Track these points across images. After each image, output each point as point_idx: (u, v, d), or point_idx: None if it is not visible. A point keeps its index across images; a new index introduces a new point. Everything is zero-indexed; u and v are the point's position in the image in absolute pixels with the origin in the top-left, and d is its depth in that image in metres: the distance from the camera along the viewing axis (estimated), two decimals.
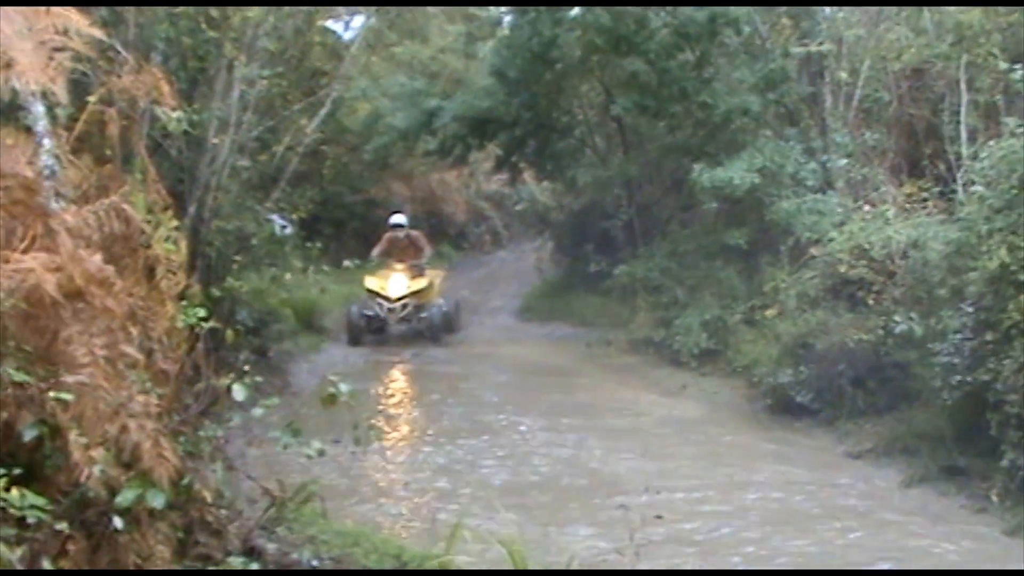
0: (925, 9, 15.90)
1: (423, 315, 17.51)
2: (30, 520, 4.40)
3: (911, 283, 11.99)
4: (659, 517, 8.72)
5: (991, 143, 11.70)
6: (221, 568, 5.55)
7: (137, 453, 4.91)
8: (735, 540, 8.75)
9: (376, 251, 18.39)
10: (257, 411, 6.32)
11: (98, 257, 5.17)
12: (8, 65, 5.18)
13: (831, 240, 13.23)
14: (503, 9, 19.45)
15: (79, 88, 6.59)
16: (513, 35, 18.18)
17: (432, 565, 6.35)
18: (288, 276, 15.43)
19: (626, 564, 6.24)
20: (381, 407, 13.44)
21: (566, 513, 9.31)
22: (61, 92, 5.46)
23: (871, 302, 12.29)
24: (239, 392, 5.98)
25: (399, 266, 17.86)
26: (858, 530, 9.03)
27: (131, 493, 4.80)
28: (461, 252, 26.57)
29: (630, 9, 16.28)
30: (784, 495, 10.01)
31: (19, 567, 4.24)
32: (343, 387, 6.37)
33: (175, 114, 7.34)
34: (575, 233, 21.39)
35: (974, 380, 9.96)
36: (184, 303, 6.19)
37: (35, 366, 4.77)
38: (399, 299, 17.49)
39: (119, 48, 7.99)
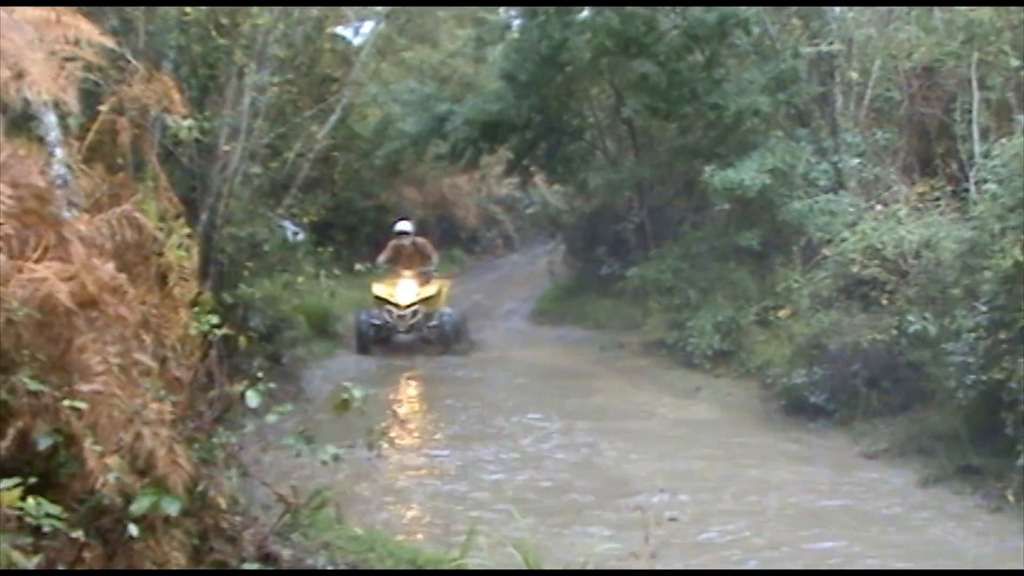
0: (935, 8, 15.87)
1: (433, 323, 17.20)
2: (46, 528, 4.41)
3: (924, 283, 11.95)
4: (674, 519, 8.69)
5: (1003, 141, 11.68)
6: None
7: (152, 460, 4.92)
8: (750, 542, 8.73)
9: (382, 258, 18.07)
10: (271, 417, 6.32)
11: (111, 265, 5.18)
12: (20, 75, 5.19)
13: (843, 240, 13.20)
14: (512, 12, 19.48)
15: (90, 97, 6.61)
16: (522, 38, 18.18)
17: (447, 569, 6.34)
18: (301, 280, 15.46)
19: (641, 566, 6.23)
20: (394, 412, 13.43)
21: (581, 516, 9.29)
22: (72, 101, 5.47)
23: (884, 302, 12.26)
24: (253, 399, 5.99)
25: (407, 272, 17.62)
26: (874, 531, 9.00)
27: (146, 500, 4.81)
28: (473, 256, 26.62)
29: (639, 11, 16.28)
30: (800, 496, 9.99)
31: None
32: (356, 392, 6.38)
33: (186, 122, 7.37)
34: (587, 236, 21.40)
35: (988, 379, 9.93)
36: (196, 309, 6.20)
37: (49, 375, 4.78)
38: (408, 306, 17.22)
39: (130, 57, 8.02)
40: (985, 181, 11.86)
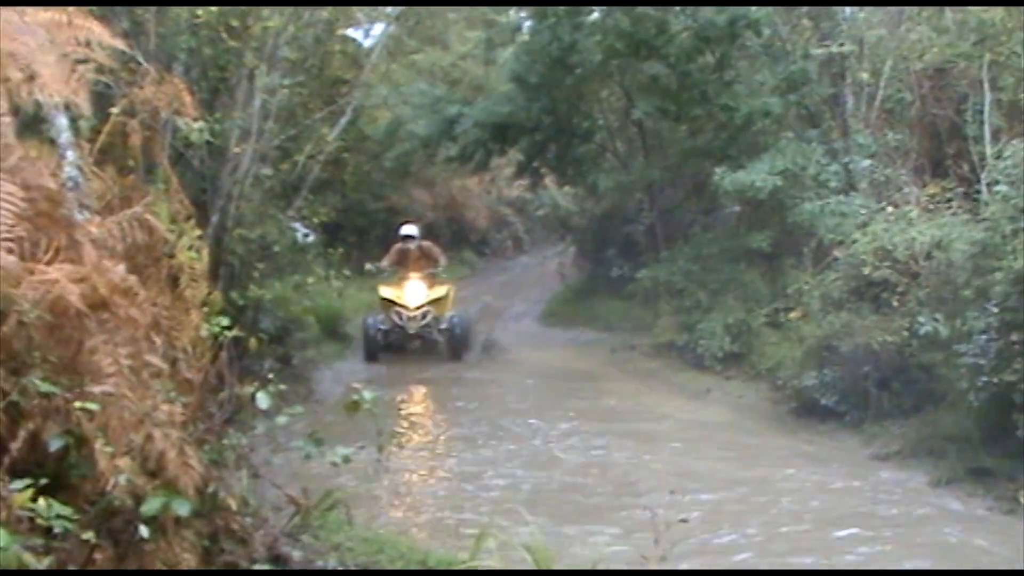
0: (947, 8, 15.84)
1: (443, 326, 16.77)
2: (57, 530, 4.42)
3: (935, 284, 11.91)
4: (684, 520, 8.67)
5: (1015, 142, 11.65)
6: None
7: (162, 462, 4.93)
8: (761, 544, 8.71)
9: (385, 263, 17.55)
10: (281, 419, 6.33)
11: (122, 267, 5.19)
12: (31, 78, 5.21)
13: (854, 242, 13.18)
14: (522, 14, 19.48)
15: (101, 100, 6.63)
16: (533, 40, 18.19)
17: (458, 570, 6.34)
18: (311, 281, 15.49)
19: (651, 568, 6.22)
20: (405, 414, 13.46)
21: (591, 517, 9.29)
22: (84, 104, 5.49)
23: (895, 303, 12.23)
24: (263, 400, 6.00)
25: (415, 274, 17.11)
26: (887, 533, 8.97)
27: (157, 502, 4.82)
28: (483, 258, 26.65)
29: (650, 13, 16.27)
30: (811, 498, 9.96)
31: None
32: (367, 394, 6.38)
33: (197, 124, 7.40)
34: (597, 238, 21.40)
35: (1000, 381, 9.90)
36: (206, 311, 6.21)
37: (60, 376, 4.79)
38: (418, 308, 16.74)
39: (140, 59, 8.05)
40: (997, 182, 11.83)
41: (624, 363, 16.37)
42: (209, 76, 12.59)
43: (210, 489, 5.47)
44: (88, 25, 5.73)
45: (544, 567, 6.19)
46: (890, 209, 13.85)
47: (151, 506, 4.81)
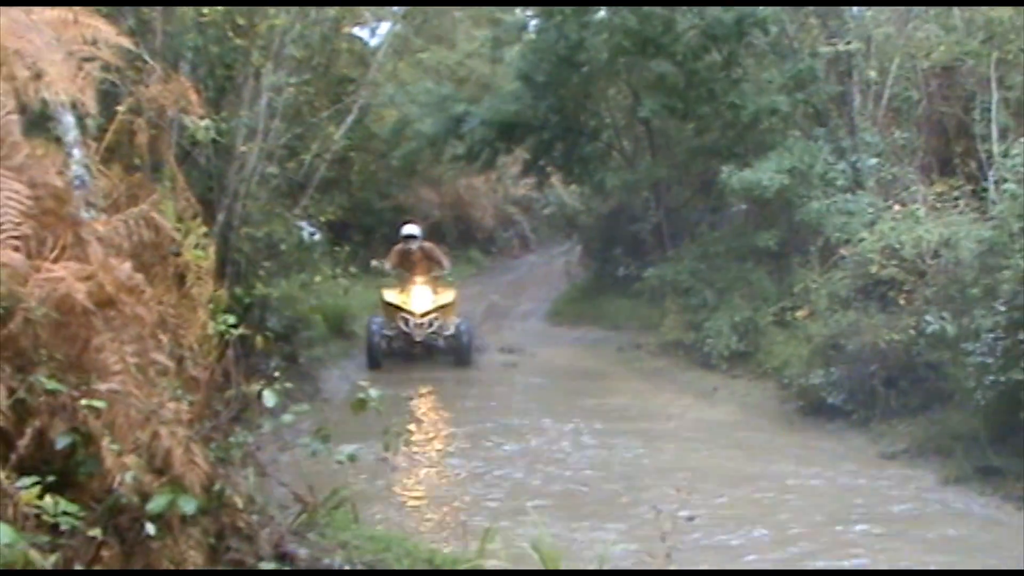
0: (955, 6, 15.79)
1: (449, 333, 16.20)
2: (63, 527, 4.43)
3: (943, 282, 11.89)
4: (691, 519, 8.66)
5: (1022, 140, 11.61)
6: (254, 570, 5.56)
7: (169, 459, 4.94)
8: (768, 542, 8.70)
9: (388, 266, 16.88)
10: (287, 417, 6.34)
11: (128, 265, 5.19)
12: (38, 76, 5.22)
13: (861, 240, 13.17)
14: (529, 13, 19.48)
15: (108, 98, 6.64)
16: (539, 39, 18.19)
17: (464, 569, 6.34)
18: (318, 279, 15.50)
19: (657, 567, 6.21)
20: (411, 412, 13.46)
21: (597, 515, 9.29)
22: (90, 102, 5.49)
23: (902, 302, 12.22)
24: (269, 398, 6.00)
25: (420, 279, 16.50)
26: (894, 531, 8.96)
27: (163, 499, 4.82)
28: (489, 257, 26.65)
29: (657, 11, 16.25)
30: (818, 497, 9.95)
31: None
32: (373, 392, 6.38)
33: (203, 122, 7.39)
34: (604, 236, 21.39)
35: (1008, 380, 9.88)
36: (211, 307, 6.21)
37: (67, 374, 4.80)
38: (424, 314, 16.10)
39: (147, 57, 8.06)
40: (1004, 180, 11.81)
41: (631, 362, 16.37)
42: (216, 74, 12.60)
43: (216, 487, 5.47)
44: (94, 23, 5.73)
45: (550, 565, 6.18)
46: (897, 207, 13.83)
47: (157, 504, 4.81)
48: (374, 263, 16.94)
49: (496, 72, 22.71)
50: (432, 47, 24.22)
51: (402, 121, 20.41)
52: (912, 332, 11.71)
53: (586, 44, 17.19)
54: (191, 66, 11.80)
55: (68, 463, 4.77)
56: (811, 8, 16.33)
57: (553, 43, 17.36)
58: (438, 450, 12.15)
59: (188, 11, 11.63)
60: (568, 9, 16.96)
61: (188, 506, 4.90)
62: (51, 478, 4.49)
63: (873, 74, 15.70)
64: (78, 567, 4.51)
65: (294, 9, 13.09)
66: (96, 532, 4.61)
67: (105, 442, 4.70)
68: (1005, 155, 13.14)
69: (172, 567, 4.98)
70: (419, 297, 16.26)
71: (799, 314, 14.07)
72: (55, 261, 4.91)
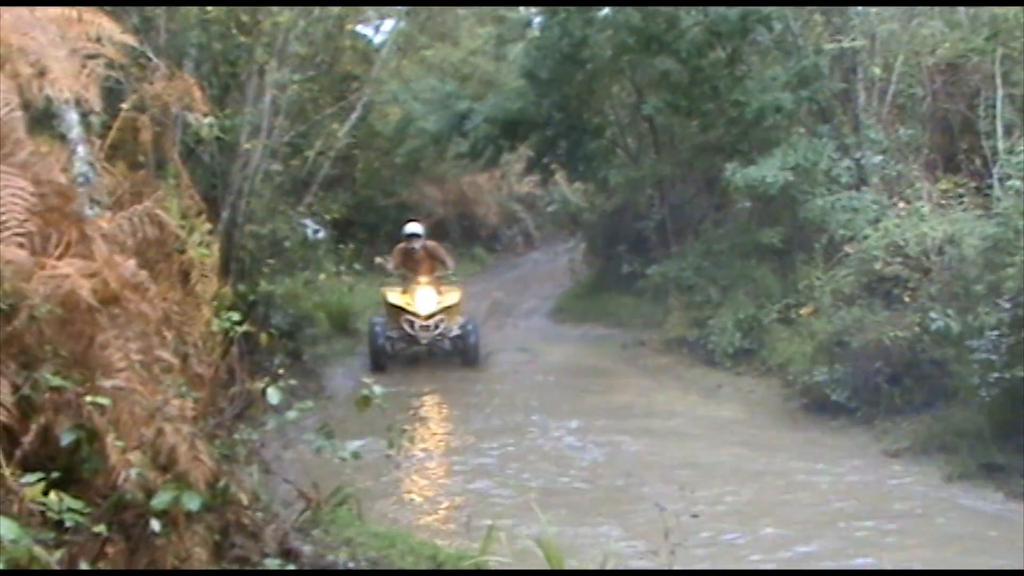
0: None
1: (455, 334, 15.88)
2: (68, 523, 4.44)
3: (947, 279, 11.88)
4: (695, 516, 8.69)
5: None
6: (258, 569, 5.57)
7: (173, 456, 4.95)
8: (772, 540, 8.69)
9: (391, 266, 16.43)
10: (291, 414, 6.35)
11: (133, 262, 5.21)
12: (42, 73, 5.22)
13: (866, 237, 13.15)
14: (533, 10, 19.46)
15: (112, 95, 6.65)
16: (543, 36, 18.16)
17: (468, 566, 6.35)
18: (322, 277, 15.50)
19: (661, 564, 6.22)
20: (415, 410, 13.47)
21: (601, 512, 9.29)
22: (94, 99, 5.50)
23: (907, 299, 12.21)
24: (273, 395, 6.02)
25: (424, 279, 16.02)
26: (899, 528, 8.95)
27: (168, 496, 4.84)
28: (493, 254, 26.62)
29: (661, 8, 16.21)
30: (822, 494, 9.95)
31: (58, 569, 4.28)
32: (377, 390, 6.40)
33: (207, 120, 7.42)
34: (608, 234, 21.35)
35: (1012, 376, 9.88)
36: (215, 304, 6.23)
37: (72, 371, 4.81)
38: (429, 316, 15.71)
39: (151, 55, 8.09)
40: (1009, 177, 11.82)
41: (634, 359, 16.35)
42: (219, 72, 12.62)
43: (221, 484, 5.49)
44: (99, 21, 5.74)
45: (555, 562, 6.19)
46: (902, 204, 13.83)
47: (162, 500, 4.83)
48: (378, 260, 16.72)
49: (500, 69, 22.71)
50: (436, 44, 24.22)
51: (406, 118, 20.39)
52: (916, 329, 11.69)
53: (590, 41, 17.17)
54: (195, 63, 11.81)
55: (73, 459, 4.78)
56: (815, 5, 16.32)
57: (557, 40, 17.34)
58: (441, 447, 12.15)
59: (192, 8, 11.65)
60: (572, 6, 16.94)
61: (193, 503, 4.91)
62: (56, 474, 4.50)
63: (877, 71, 15.67)
64: (83, 563, 4.52)
65: (297, 6, 13.10)
66: (101, 528, 4.62)
67: (110, 439, 4.72)
68: (1010, 152, 13.16)
69: (177, 563, 4.99)
70: (423, 299, 15.83)
71: (803, 311, 14.06)
72: (60, 258, 4.92)
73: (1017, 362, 9.81)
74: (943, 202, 13.38)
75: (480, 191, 26.62)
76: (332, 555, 6.19)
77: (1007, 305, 10.25)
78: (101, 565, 4.67)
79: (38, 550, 4.19)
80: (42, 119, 6.00)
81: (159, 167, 7.03)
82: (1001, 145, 13.68)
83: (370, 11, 19.13)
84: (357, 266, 16.61)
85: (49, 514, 4.39)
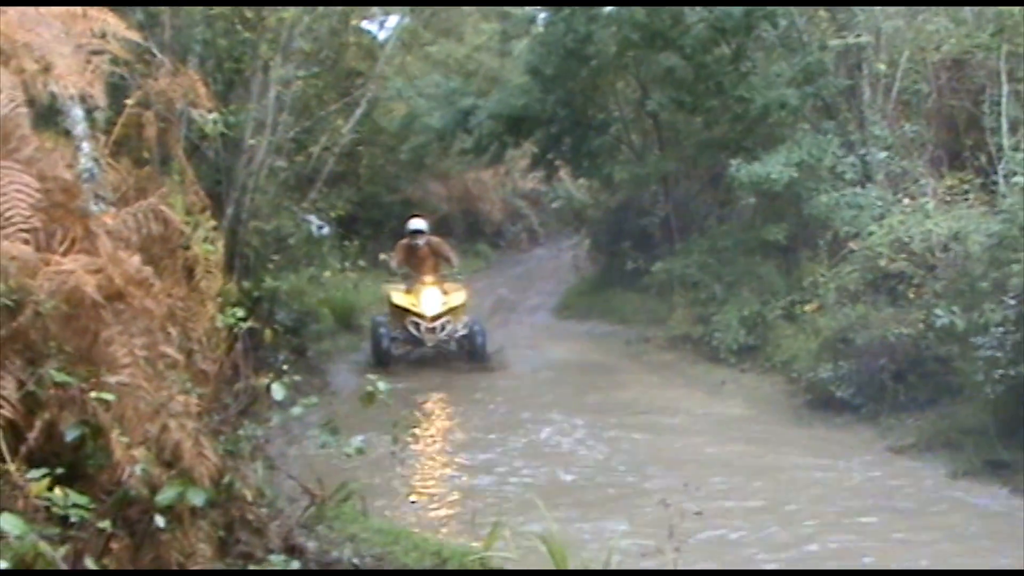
0: None
1: (461, 334, 15.53)
2: (73, 519, 4.45)
3: (952, 276, 11.86)
4: (699, 513, 8.68)
5: None
6: (264, 568, 5.57)
7: (178, 452, 4.95)
8: (777, 537, 8.69)
9: (394, 263, 16.01)
10: (296, 410, 6.35)
11: (137, 258, 5.20)
12: (46, 69, 5.23)
13: (871, 234, 13.14)
14: (538, 7, 19.44)
15: (117, 91, 6.65)
16: (548, 32, 18.17)
17: (472, 562, 6.35)
18: (328, 274, 15.50)
19: (667, 561, 6.21)
20: (420, 406, 13.47)
21: (605, 509, 9.29)
22: (99, 96, 5.50)
23: (912, 296, 12.20)
24: (278, 391, 6.01)
25: (429, 279, 15.63)
26: (904, 526, 8.94)
27: (172, 492, 4.84)
28: (497, 250, 26.64)
29: (666, 5, 16.21)
30: (826, 491, 9.94)
31: (63, 566, 4.28)
32: (381, 386, 6.39)
33: (212, 116, 7.41)
34: (612, 230, 21.35)
35: (1017, 373, 9.87)
36: (220, 300, 6.23)
37: (76, 367, 4.81)
38: (435, 318, 15.35)
39: (156, 51, 8.09)
40: (1014, 174, 11.79)
41: (639, 356, 16.35)
42: (224, 68, 12.62)
43: (225, 480, 5.49)
44: (103, 17, 5.74)
45: (559, 559, 6.19)
46: (907, 201, 13.81)
47: (167, 496, 4.83)
48: (382, 257, 16.53)
49: (504, 66, 22.71)
50: (440, 41, 24.23)
51: (410, 115, 20.41)
52: (921, 326, 11.68)
53: (594, 38, 17.16)
54: (200, 59, 11.81)
55: (78, 455, 4.79)
56: (820, 4, 16.29)
57: (561, 36, 17.33)
58: (445, 443, 12.15)
59: (196, 5, 11.65)
60: (577, 5, 16.94)
61: (197, 499, 4.91)
62: (61, 470, 4.50)
63: (883, 67, 15.64)
64: (88, 559, 4.53)
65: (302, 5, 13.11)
66: (105, 524, 4.63)
67: (114, 435, 4.72)
68: (1015, 148, 13.14)
69: (181, 559, 4.99)
70: (429, 300, 15.41)
71: (808, 308, 14.05)
72: (64, 254, 4.93)
73: (1022, 359, 9.79)
74: (948, 199, 13.36)
75: (484, 187, 26.64)
76: (336, 551, 6.19)
77: (1012, 302, 10.24)
78: (106, 561, 4.68)
79: (43, 545, 4.19)
80: (47, 115, 6.00)
81: (164, 163, 7.02)
82: (1006, 141, 13.65)
83: (375, 7, 19.13)
84: (362, 263, 16.59)
85: (54, 510, 4.39)
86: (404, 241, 16.21)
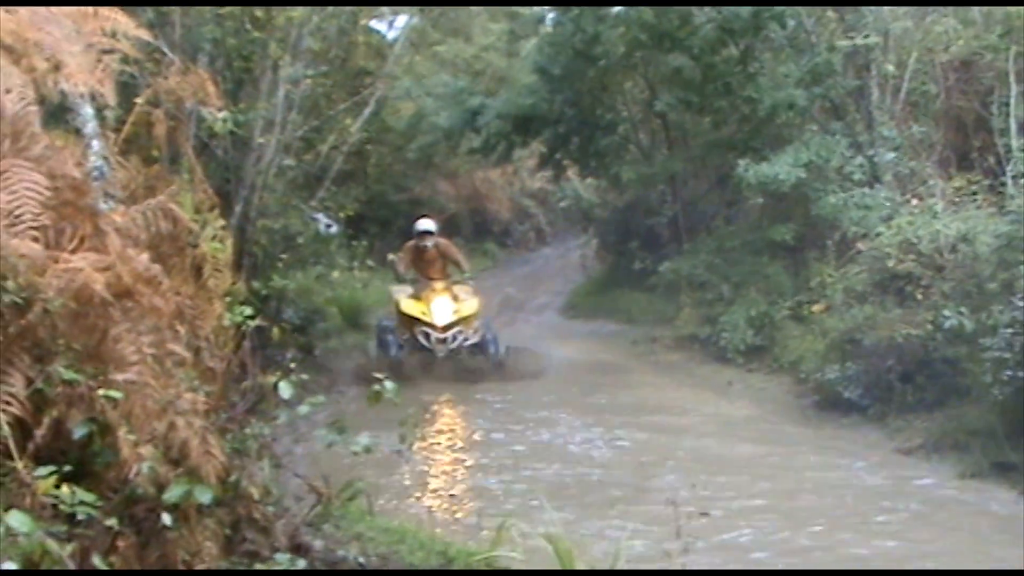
0: None
1: (474, 342, 14.75)
2: (80, 517, 4.46)
3: (960, 277, 11.84)
4: (705, 514, 8.68)
5: None
6: (270, 567, 5.58)
7: (185, 450, 4.96)
8: (784, 539, 8.67)
9: (402, 267, 15.30)
10: (303, 409, 6.35)
11: (146, 256, 5.22)
12: (57, 68, 5.24)
13: (879, 234, 13.12)
14: (546, 7, 19.46)
15: (127, 90, 6.68)
16: (556, 32, 18.18)
17: (478, 562, 6.35)
18: (336, 274, 15.51)
19: (674, 562, 6.21)
20: (426, 405, 13.46)
21: (612, 510, 9.28)
22: (109, 94, 5.52)
23: (920, 297, 12.17)
24: (285, 390, 6.02)
25: (439, 285, 14.88)
26: (911, 527, 8.92)
27: (179, 490, 4.85)
28: (505, 250, 26.66)
29: (674, 5, 16.21)
30: (834, 492, 9.92)
31: (70, 564, 4.30)
32: (388, 385, 6.40)
33: (221, 115, 7.44)
34: (619, 230, 21.37)
35: None
36: (229, 300, 6.25)
37: (84, 364, 4.82)
38: (447, 327, 14.62)
39: (166, 50, 8.12)
40: (1023, 175, 11.74)
41: (646, 356, 16.34)
42: (234, 67, 12.65)
43: (232, 478, 5.50)
44: (114, 16, 5.76)
45: (565, 559, 6.19)
46: (915, 202, 13.80)
47: (173, 494, 4.84)
48: (390, 257, 16.02)
49: (512, 65, 22.72)
50: (449, 40, 24.25)
51: (418, 114, 20.45)
52: (929, 327, 11.65)
53: (602, 38, 17.16)
54: (209, 58, 11.84)
55: (85, 453, 4.80)
56: (829, 4, 16.27)
57: (569, 37, 17.34)
58: (452, 442, 12.16)
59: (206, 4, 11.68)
60: (585, 4, 16.95)
61: (204, 497, 4.92)
62: (68, 468, 4.51)
63: (891, 68, 15.62)
64: (95, 557, 4.54)
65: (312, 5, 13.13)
66: (112, 522, 4.63)
67: (122, 432, 4.73)
68: (1023, 150, 13.10)
69: (187, 557, 5.00)
70: (440, 309, 14.65)
71: (815, 308, 14.04)
72: (74, 252, 4.94)
73: None
74: (956, 200, 13.34)
75: (492, 187, 26.67)
76: (342, 550, 6.20)
77: (1020, 303, 10.22)
78: (112, 559, 4.69)
79: (50, 543, 4.21)
80: (57, 113, 6.02)
81: (173, 161, 7.05)
82: (1015, 143, 13.62)
83: (383, 7, 19.15)
84: (370, 262, 16.59)
85: (61, 507, 4.40)
86: (411, 243, 15.51)
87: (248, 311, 6.39)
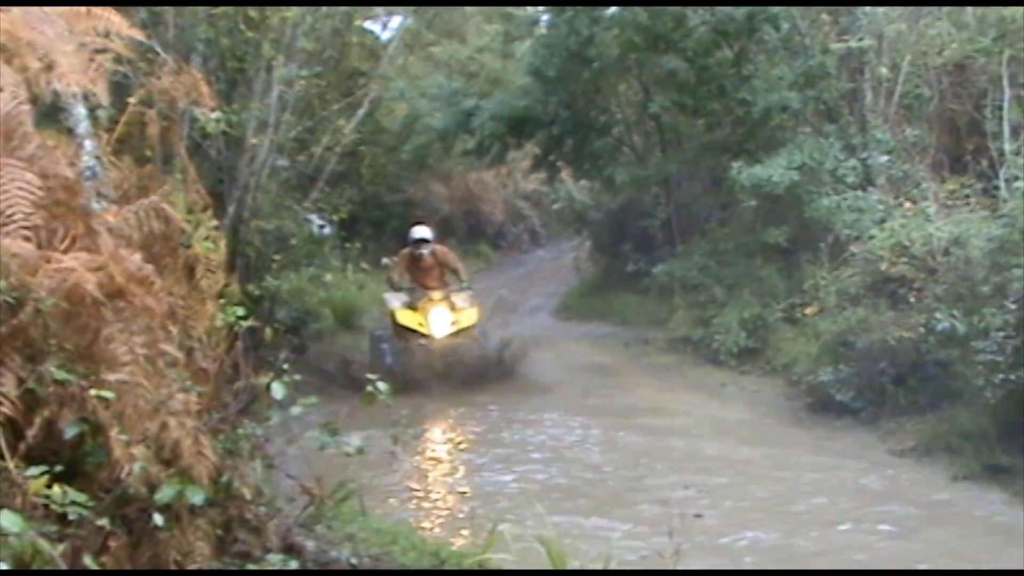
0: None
1: (474, 354, 14.25)
2: (72, 516, 4.45)
3: (953, 280, 11.86)
4: (699, 516, 8.69)
5: None
6: (263, 568, 5.57)
7: (177, 451, 4.95)
8: (776, 540, 8.69)
9: (396, 275, 14.84)
10: (296, 410, 6.34)
11: (138, 256, 5.21)
12: (49, 67, 5.23)
13: (871, 237, 13.14)
14: (540, 8, 19.46)
15: (120, 90, 6.66)
16: (550, 34, 18.18)
17: (470, 563, 6.35)
18: (329, 276, 15.49)
19: (666, 564, 6.21)
20: (419, 406, 13.45)
21: (605, 512, 9.29)
22: (102, 94, 5.51)
23: (912, 300, 12.19)
24: (278, 391, 6.01)
25: (436, 295, 14.39)
26: (903, 530, 8.94)
27: (171, 490, 4.84)
28: (499, 251, 26.67)
29: (668, 7, 16.22)
30: (826, 494, 9.93)
31: (61, 564, 4.29)
32: (382, 386, 6.39)
33: (214, 115, 7.41)
34: (613, 232, 21.37)
35: (1017, 378, 9.86)
36: (222, 300, 6.24)
37: (76, 364, 4.81)
38: (444, 340, 14.25)
39: (159, 50, 8.10)
40: (1016, 178, 11.79)
41: (639, 358, 16.34)
42: (227, 67, 12.65)
43: (224, 478, 5.48)
44: (107, 16, 5.76)
45: (558, 561, 6.19)
46: (908, 205, 13.80)
47: (165, 494, 4.83)
48: (385, 261, 16.06)
49: (507, 67, 22.72)
50: (443, 41, 24.25)
51: (412, 115, 20.44)
52: (922, 330, 11.67)
53: (597, 40, 17.17)
54: (203, 58, 11.83)
55: (77, 453, 4.79)
56: (823, 5, 16.29)
57: (564, 38, 17.34)
58: (445, 443, 12.16)
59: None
60: (580, 6, 16.94)
61: (196, 497, 4.91)
62: (59, 468, 4.50)
63: (885, 71, 15.64)
64: (86, 557, 4.53)
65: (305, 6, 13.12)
66: (104, 522, 4.63)
67: (114, 432, 4.72)
68: (1017, 153, 13.14)
69: (179, 558, 5.00)
70: (438, 320, 14.20)
71: (808, 311, 14.05)
72: (66, 252, 4.93)
73: (1022, 363, 9.79)
74: (949, 203, 13.36)
75: (486, 188, 26.68)
76: (335, 551, 6.18)
77: (1013, 306, 10.24)
78: (104, 559, 4.68)
79: (41, 543, 4.20)
80: (49, 113, 6.00)
81: (166, 162, 7.03)
82: (1008, 146, 13.64)
83: (378, 8, 19.15)
84: (364, 265, 16.56)
85: (52, 507, 4.40)
86: (407, 250, 15.02)
87: (241, 312, 6.38)
